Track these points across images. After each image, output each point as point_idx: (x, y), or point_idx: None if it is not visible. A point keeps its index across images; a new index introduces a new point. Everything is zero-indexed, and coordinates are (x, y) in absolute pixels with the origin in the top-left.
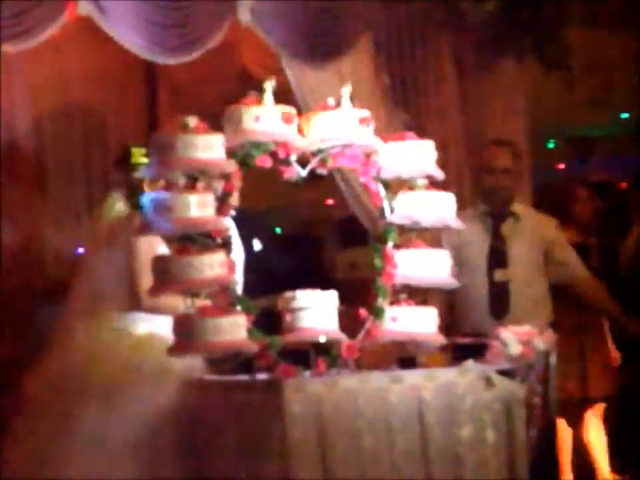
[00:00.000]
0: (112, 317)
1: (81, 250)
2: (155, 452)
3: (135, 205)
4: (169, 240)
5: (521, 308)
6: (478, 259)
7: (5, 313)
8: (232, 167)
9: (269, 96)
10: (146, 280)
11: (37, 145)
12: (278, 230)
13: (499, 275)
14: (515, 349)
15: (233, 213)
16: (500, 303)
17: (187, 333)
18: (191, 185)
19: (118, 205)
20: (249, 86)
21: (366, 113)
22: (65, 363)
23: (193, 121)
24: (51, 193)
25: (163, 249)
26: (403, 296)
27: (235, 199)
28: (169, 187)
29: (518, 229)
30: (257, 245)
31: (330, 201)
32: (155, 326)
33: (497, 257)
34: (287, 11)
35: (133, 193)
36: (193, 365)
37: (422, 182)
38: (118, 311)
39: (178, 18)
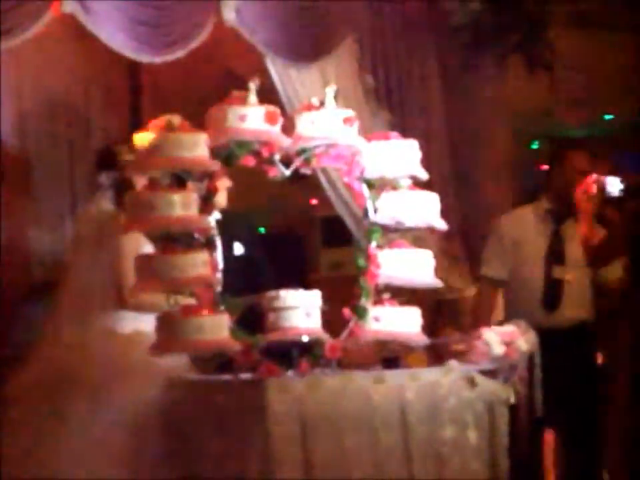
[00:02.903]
0: (99, 315)
1: (64, 249)
2: (140, 451)
3: (121, 204)
4: (153, 239)
5: (571, 304)
6: (537, 255)
7: None
8: (216, 166)
9: (253, 95)
10: (131, 278)
11: (20, 144)
12: (261, 229)
13: (557, 271)
14: (498, 349)
15: (218, 213)
16: (554, 297)
17: (169, 331)
18: (176, 184)
19: (104, 204)
20: (233, 85)
21: (350, 112)
22: (53, 362)
23: (176, 119)
24: (35, 192)
25: (148, 248)
26: (386, 296)
27: (222, 199)
28: (153, 185)
29: (574, 229)
30: (240, 247)
31: (314, 201)
32: (141, 324)
33: (556, 255)
34: (272, 11)
35: (119, 191)
36: (177, 363)
37: (406, 182)
38: (105, 310)
39: (162, 17)
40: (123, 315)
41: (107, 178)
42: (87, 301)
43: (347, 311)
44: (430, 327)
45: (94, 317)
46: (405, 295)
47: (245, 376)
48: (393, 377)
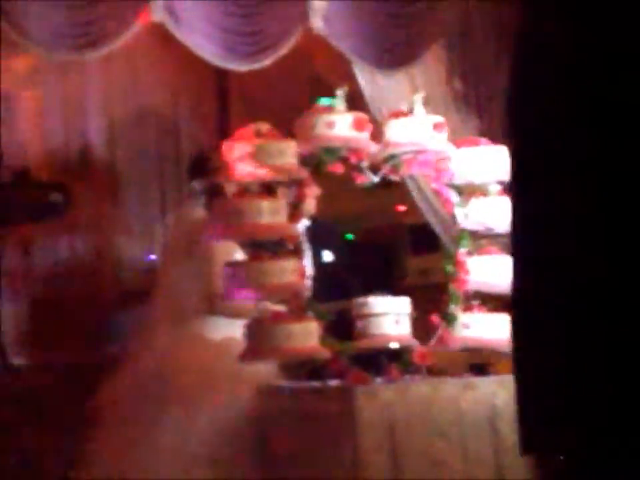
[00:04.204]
0: (190, 322)
1: (153, 256)
2: (229, 458)
3: (212, 211)
4: (244, 246)
5: None
6: None
7: (80, 320)
8: (304, 173)
9: (341, 102)
10: (221, 285)
11: (109, 153)
12: (349, 236)
13: None
14: None
15: (306, 220)
16: None
17: (259, 338)
18: (266, 191)
19: (195, 211)
20: (321, 92)
21: (439, 118)
22: (146, 369)
23: (265, 127)
24: (124, 201)
25: (239, 254)
26: (476, 302)
27: (311, 206)
28: (242, 193)
29: None
30: (328, 254)
31: (402, 208)
32: (232, 331)
33: None
34: (359, 18)
35: (210, 198)
36: (266, 370)
37: (495, 188)
38: (196, 316)
39: (250, 25)
40: (214, 322)
41: (199, 185)
42: (178, 308)
43: (435, 318)
44: None
45: (186, 324)
46: (494, 301)
47: (334, 383)
48: (483, 383)
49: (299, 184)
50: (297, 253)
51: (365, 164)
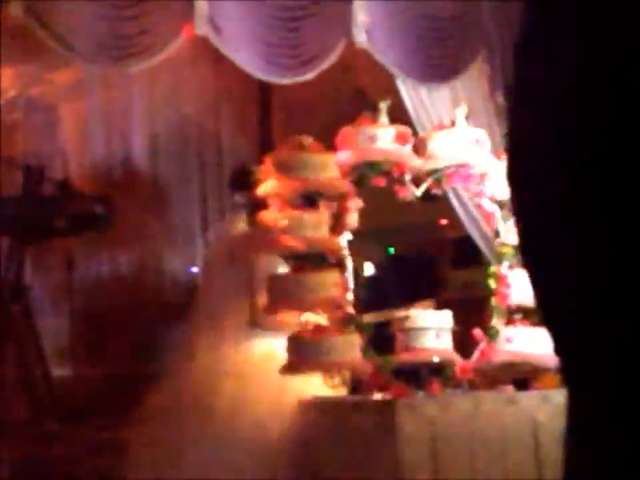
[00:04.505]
0: (233, 335)
1: (195, 269)
2: (270, 471)
3: (254, 224)
4: (286, 259)
5: None
6: None
7: (122, 333)
8: (347, 186)
9: (383, 116)
10: (264, 297)
11: (152, 165)
12: (391, 250)
13: None
14: None
15: (349, 233)
16: None
17: (300, 352)
18: (308, 205)
19: (238, 224)
20: (363, 106)
21: (481, 132)
22: (188, 383)
23: (308, 140)
24: (167, 213)
25: (282, 267)
26: (518, 316)
27: (353, 219)
28: (285, 205)
29: None
30: (370, 268)
31: (444, 221)
32: (274, 344)
33: None
34: (402, 32)
35: (253, 211)
36: (309, 383)
37: None
38: (238, 330)
39: (293, 38)
40: (256, 335)
41: (241, 198)
42: (220, 321)
43: (477, 332)
44: None
45: (227, 337)
46: (537, 315)
47: (376, 396)
48: (525, 398)
49: (341, 197)
50: (339, 266)
51: (407, 177)
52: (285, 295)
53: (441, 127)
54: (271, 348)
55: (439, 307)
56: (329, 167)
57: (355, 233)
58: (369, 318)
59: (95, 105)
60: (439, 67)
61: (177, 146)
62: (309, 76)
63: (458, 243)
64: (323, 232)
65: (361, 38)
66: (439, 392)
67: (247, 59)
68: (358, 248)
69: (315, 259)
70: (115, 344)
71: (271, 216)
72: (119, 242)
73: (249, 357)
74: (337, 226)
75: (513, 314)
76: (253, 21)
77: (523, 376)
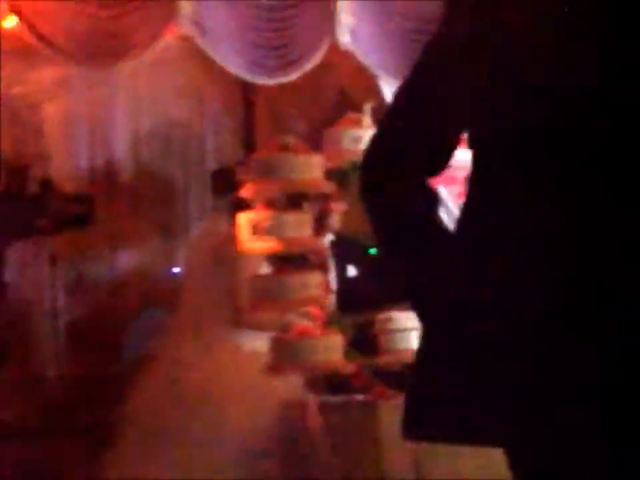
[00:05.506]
0: (215, 335)
1: (177, 269)
2: (254, 470)
3: (237, 224)
4: (269, 259)
5: None
6: None
7: (103, 332)
8: (330, 187)
9: (367, 117)
10: (246, 298)
11: (135, 165)
12: (372, 251)
13: None
14: None
15: (331, 235)
16: None
17: (283, 352)
18: (291, 205)
19: (220, 225)
20: (347, 107)
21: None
22: (172, 379)
23: (291, 141)
24: (148, 212)
25: (264, 267)
26: None
27: (336, 220)
28: (268, 206)
29: None
30: (352, 269)
31: None
32: (257, 344)
33: None
34: (385, 33)
35: (235, 212)
36: (291, 384)
37: None
38: (221, 330)
39: (277, 39)
40: (239, 335)
41: (224, 198)
42: (202, 320)
43: None
44: None
45: (210, 337)
46: None
47: (358, 397)
48: None
49: (324, 198)
50: (321, 267)
51: None
52: (267, 295)
53: None
54: (254, 348)
55: None
56: (313, 168)
57: (337, 233)
58: (351, 319)
59: (79, 105)
60: None
61: (160, 146)
62: (294, 76)
63: None
64: (306, 233)
65: (344, 38)
66: None
67: (231, 59)
68: (340, 249)
69: (297, 260)
70: (96, 343)
71: (254, 216)
72: (101, 241)
73: (231, 357)
74: (320, 227)
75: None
76: (237, 22)
77: None
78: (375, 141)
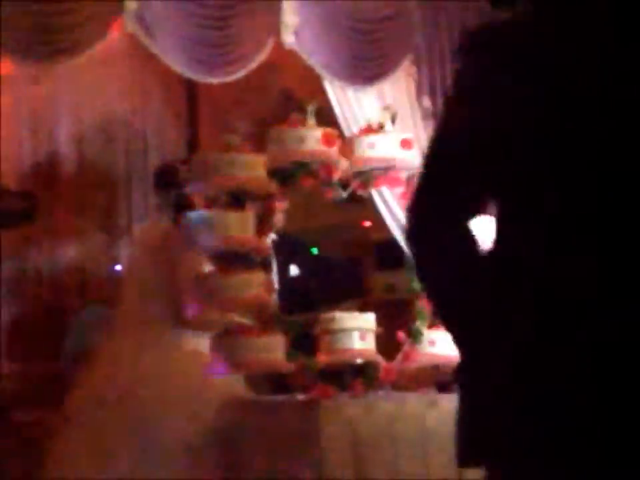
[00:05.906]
0: (156, 334)
1: (119, 268)
2: (194, 471)
3: (179, 222)
4: (211, 258)
5: None
6: None
7: (44, 330)
8: (273, 186)
9: (311, 117)
10: (189, 297)
11: (77, 163)
12: (315, 250)
13: None
14: None
15: (274, 234)
16: None
17: (225, 351)
18: (234, 204)
19: (162, 222)
20: (291, 106)
21: (409, 135)
22: (110, 380)
23: (235, 139)
24: (91, 209)
25: (206, 266)
26: None
27: (279, 220)
28: (211, 205)
29: None
30: (294, 269)
31: (368, 223)
32: (199, 343)
33: None
34: (330, 33)
35: (177, 210)
36: (232, 383)
37: None
38: (162, 328)
39: (221, 37)
40: (181, 334)
41: (165, 196)
42: (144, 319)
43: (401, 334)
44: None
45: (151, 336)
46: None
47: (300, 397)
48: (447, 400)
49: (267, 197)
50: (264, 266)
51: (334, 179)
52: (210, 295)
53: (368, 129)
54: (196, 347)
55: (364, 308)
56: (256, 167)
57: (280, 233)
58: (293, 318)
59: (21, 101)
60: (366, 69)
61: (103, 143)
62: (238, 75)
63: (383, 245)
64: (249, 232)
65: (289, 38)
66: (362, 393)
67: (176, 57)
68: (283, 248)
69: (240, 259)
70: (37, 341)
71: (197, 215)
72: (43, 239)
73: (173, 357)
74: (263, 226)
75: (436, 317)
76: (182, 20)
77: (445, 378)
78: (422, 186)
